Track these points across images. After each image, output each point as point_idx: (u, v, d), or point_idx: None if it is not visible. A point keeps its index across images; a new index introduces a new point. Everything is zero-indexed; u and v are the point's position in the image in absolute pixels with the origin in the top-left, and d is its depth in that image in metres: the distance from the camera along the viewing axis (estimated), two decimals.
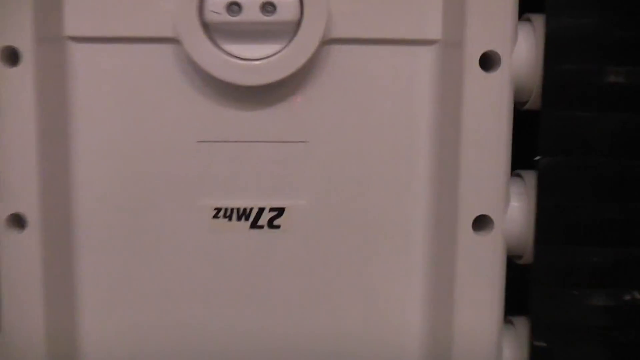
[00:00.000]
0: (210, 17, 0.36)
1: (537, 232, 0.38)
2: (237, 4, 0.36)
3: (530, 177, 0.40)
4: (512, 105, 0.38)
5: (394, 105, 0.40)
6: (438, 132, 0.40)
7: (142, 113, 0.38)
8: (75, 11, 0.37)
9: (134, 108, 0.38)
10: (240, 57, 0.37)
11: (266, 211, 0.40)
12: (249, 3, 0.36)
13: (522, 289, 0.40)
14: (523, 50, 0.38)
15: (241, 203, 0.40)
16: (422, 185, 0.40)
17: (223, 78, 0.37)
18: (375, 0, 0.38)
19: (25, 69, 0.36)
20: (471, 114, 0.37)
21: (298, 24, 0.37)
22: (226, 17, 0.36)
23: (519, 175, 0.41)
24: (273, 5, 0.36)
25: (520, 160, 0.40)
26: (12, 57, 0.36)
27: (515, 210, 0.39)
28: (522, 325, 0.41)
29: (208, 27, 0.37)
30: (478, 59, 0.37)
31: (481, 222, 0.39)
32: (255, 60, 0.37)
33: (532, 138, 0.39)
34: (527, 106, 0.39)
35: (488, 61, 0.37)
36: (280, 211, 0.40)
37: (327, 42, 0.38)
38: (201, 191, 0.39)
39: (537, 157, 0.38)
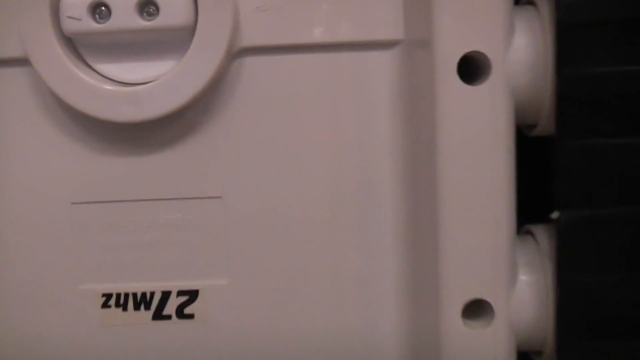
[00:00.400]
0: (68, 25, 0.26)
1: (558, 320, 0.25)
2: (104, 5, 0.26)
3: (544, 237, 0.27)
4: (513, 132, 0.26)
5: (337, 135, 0.28)
6: (403, 177, 0.28)
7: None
8: None
9: None
10: (115, 80, 0.27)
11: (173, 295, 0.29)
12: (120, 3, 0.26)
13: None
14: (523, 49, 0.26)
15: (138, 286, 0.29)
16: (386, 255, 0.28)
17: (93, 113, 0.27)
18: None
19: None
20: (449, 149, 0.25)
21: (193, 29, 0.27)
22: (89, 25, 0.26)
23: (529, 233, 0.28)
24: (154, 5, 0.26)
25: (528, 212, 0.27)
26: None
27: (525, 288, 0.27)
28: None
29: (67, 41, 0.27)
30: (456, 64, 0.25)
31: (476, 309, 0.26)
32: (137, 85, 0.27)
33: (544, 178, 0.26)
34: (535, 132, 0.27)
35: (471, 68, 0.26)
36: (192, 295, 0.29)
37: (237, 53, 0.27)
38: (83, 272, 0.29)
39: (555, 214, 0.26)
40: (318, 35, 0.27)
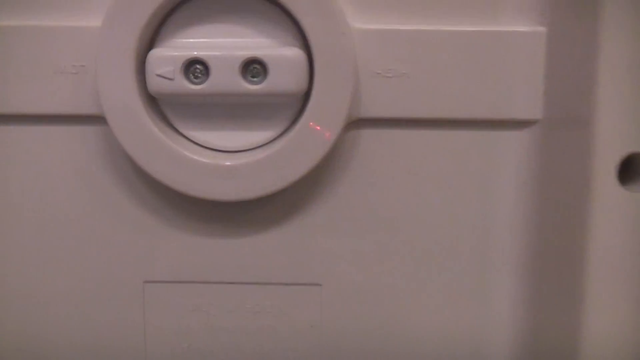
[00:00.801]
0: (157, 84, 0.21)
1: None
2: (201, 63, 0.22)
3: None
4: None
5: (454, 220, 0.24)
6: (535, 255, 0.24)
7: (60, 243, 0.24)
8: None
9: (48, 232, 0.24)
10: (206, 146, 0.23)
11: None
12: (220, 62, 0.21)
13: None
14: None
15: None
16: None
17: (180, 187, 0.22)
18: (432, 57, 0.23)
19: None
20: (602, 238, 0.22)
21: (304, 96, 0.23)
22: (183, 85, 0.21)
23: None
24: (262, 66, 0.22)
25: None
26: None
27: None
28: None
29: (152, 101, 0.23)
30: (616, 167, 0.21)
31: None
32: (237, 160, 0.22)
33: None
34: None
35: (632, 167, 0.22)
36: None
37: (351, 124, 0.23)
38: (155, 351, 0.25)
39: None
40: (445, 110, 0.23)
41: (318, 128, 0.22)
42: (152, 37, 0.22)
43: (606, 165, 0.21)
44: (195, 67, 0.21)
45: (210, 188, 0.22)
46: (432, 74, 0.22)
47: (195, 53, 0.21)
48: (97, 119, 0.23)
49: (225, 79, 0.21)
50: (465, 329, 0.25)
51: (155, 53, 0.21)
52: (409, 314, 0.24)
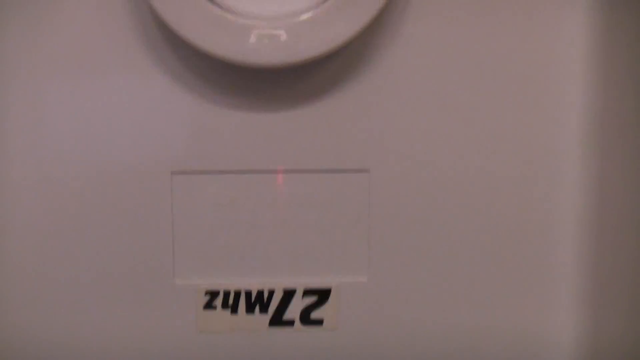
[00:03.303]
0: None
1: None
2: None
3: None
4: None
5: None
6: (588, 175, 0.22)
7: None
8: None
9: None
10: (244, 13, 0.20)
11: (298, 295, 0.22)
12: None
13: None
14: None
15: (252, 283, 0.22)
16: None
17: (223, 54, 0.20)
18: None
19: None
20: None
21: None
22: None
23: None
24: None
25: None
26: None
27: None
28: None
29: None
30: None
31: None
32: (277, 26, 0.20)
33: None
34: None
35: None
36: (322, 295, 0.23)
37: None
38: (182, 263, 0.22)
39: None
40: None
41: None
42: None
43: None
44: None
45: (254, 53, 0.19)
46: None
47: None
48: None
49: None
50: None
51: None
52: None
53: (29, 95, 0.21)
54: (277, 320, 0.23)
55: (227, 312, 0.23)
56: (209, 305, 0.22)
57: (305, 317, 0.23)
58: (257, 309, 0.23)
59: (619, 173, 0.21)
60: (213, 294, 0.23)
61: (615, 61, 0.21)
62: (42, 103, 0.21)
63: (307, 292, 0.23)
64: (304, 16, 0.19)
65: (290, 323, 0.23)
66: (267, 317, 0.23)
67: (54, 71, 0.21)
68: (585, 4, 0.21)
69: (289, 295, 0.22)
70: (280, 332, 0.23)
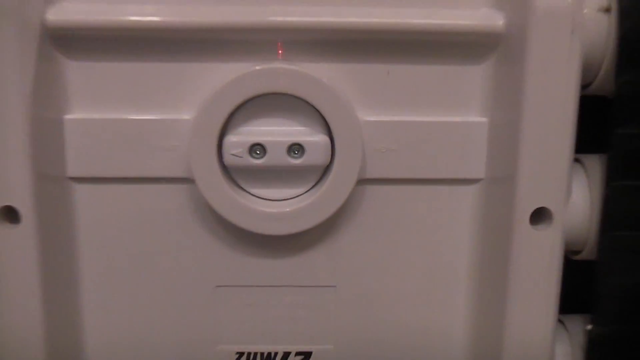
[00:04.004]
0: (231, 160, 0.32)
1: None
2: (261, 146, 0.33)
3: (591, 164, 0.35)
4: (562, 260, 0.33)
5: (431, 246, 0.36)
6: (479, 276, 0.36)
7: (155, 256, 0.35)
8: (77, 152, 0.34)
9: (146, 251, 0.35)
10: (261, 197, 0.34)
11: (292, 355, 0.37)
12: (274, 146, 0.32)
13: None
14: (577, 203, 0.34)
15: (265, 348, 0.37)
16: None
17: (247, 227, 0.34)
18: (413, 138, 0.34)
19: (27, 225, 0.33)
20: (519, 269, 0.33)
21: (328, 166, 0.33)
22: (248, 161, 0.32)
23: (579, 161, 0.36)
24: (301, 148, 0.33)
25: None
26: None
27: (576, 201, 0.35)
28: (573, 324, 0.37)
29: (227, 170, 0.34)
30: (529, 216, 0.32)
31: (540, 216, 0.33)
32: (281, 208, 0.34)
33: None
34: (580, 256, 0.35)
35: (539, 216, 0.33)
36: (306, 355, 0.37)
37: (361, 182, 0.34)
38: (222, 336, 0.37)
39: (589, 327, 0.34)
40: (420, 171, 0.34)
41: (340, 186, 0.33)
42: (224, 125, 0.33)
43: (523, 213, 0.32)
44: (256, 148, 0.32)
45: (266, 227, 0.33)
46: (411, 149, 0.34)
47: (258, 139, 0.32)
48: (187, 180, 0.33)
49: (277, 157, 0.32)
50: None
51: (230, 139, 0.32)
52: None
53: None
54: None
55: None
56: None
57: None
58: None
59: None
60: (241, 354, 0.37)
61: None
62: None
63: None
64: (298, 206, 0.33)
65: None
66: None
67: None
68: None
69: None
70: None
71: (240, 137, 0.32)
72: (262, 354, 0.36)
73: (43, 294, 0.33)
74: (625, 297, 0.33)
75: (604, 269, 0.33)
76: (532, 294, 0.33)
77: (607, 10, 0.31)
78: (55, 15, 0.31)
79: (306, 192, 0.34)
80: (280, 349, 0.36)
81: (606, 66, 0.32)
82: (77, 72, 0.33)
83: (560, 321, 0.37)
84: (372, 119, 0.33)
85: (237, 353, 0.36)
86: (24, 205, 0.32)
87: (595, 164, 0.34)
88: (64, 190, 0.34)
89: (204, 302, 0.36)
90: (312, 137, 0.33)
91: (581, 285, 0.35)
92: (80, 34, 0.32)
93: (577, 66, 0.31)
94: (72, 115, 0.33)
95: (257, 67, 0.32)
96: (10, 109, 0.31)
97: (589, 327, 0.34)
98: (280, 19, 0.32)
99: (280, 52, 0.33)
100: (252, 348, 0.36)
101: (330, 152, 0.33)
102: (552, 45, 0.31)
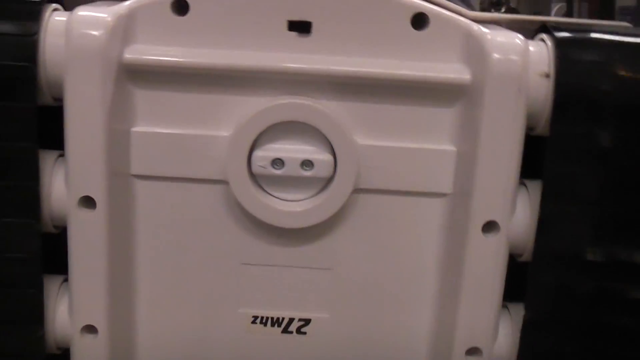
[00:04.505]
0: (258, 170, 0.43)
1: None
2: (281, 160, 0.43)
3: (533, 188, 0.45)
4: (506, 261, 0.44)
5: (406, 246, 0.46)
6: (442, 271, 0.46)
7: (195, 240, 0.46)
8: (140, 156, 0.44)
9: (189, 235, 0.46)
10: (279, 197, 0.44)
11: (295, 321, 0.47)
12: (290, 161, 0.43)
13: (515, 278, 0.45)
14: (520, 216, 0.44)
15: (274, 313, 0.47)
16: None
17: (267, 221, 0.44)
18: (398, 159, 0.44)
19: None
20: (472, 267, 0.44)
21: (331, 177, 0.44)
22: (271, 171, 0.43)
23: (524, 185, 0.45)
24: (311, 163, 0.43)
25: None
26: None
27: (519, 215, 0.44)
28: (515, 310, 0.47)
29: (254, 176, 0.44)
30: (481, 226, 0.43)
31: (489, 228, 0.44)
32: (294, 207, 0.44)
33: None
34: (522, 259, 0.45)
35: (489, 227, 0.43)
36: (307, 321, 0.47)
37: (355, 191, 0.45)
38: (243, 301, 0.47)
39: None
40: (401, 185, 0.45)
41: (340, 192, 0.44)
42: (253, 143, 0.43)
43: (476, 224, 0.43)
44: (277, 162, 0.43)
45: (282, 221, 0.44)
46: (395, 168, 0.44)
47: (279, 155, 0.43)
48: (223, 182, 0.44)
49: (292, 169, 0.43)
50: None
51: (258, 153, 0.43)
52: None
53: None
54: (285, 330, 0.47)
55: (262, 326, 0.47)
56: None
57: None
58: (275, 325, 0.48)
59: None
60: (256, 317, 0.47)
61: None
62: None
63: None
64: (307, 206, 0.44)
65: (291, 332, 0.48)
66: (280, 329, 0.47)
67: None
68: None
69: None
70: None
71: (266, 153, 0.43)
72: (272, 318, 0.47)
73: (108, 264, 0.43)
74: (550, 292, 0.44)
75: (534, 268, 0.44)
76: (481, 288, 0.44)
77: (547, 75, 0.41)
78: (131, 54, 0.42)
79: (313, 196, 0.44)
80: (287, 314, 0.47)
81: (546, 114, 0.42)
82: (143, 97, 0.43)
83: (506, 307, 0.47)
84: (367, 143, 0.44)
85: (253, 316, 0.47)
86: (99, 195, 0.42)
87: (536, 187, 0.44)
88: (129, 185, 0.44)
89: (231, 276, 0.47)
90: (320, 155, 0.43)
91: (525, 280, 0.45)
92: (147, 69, 0.43)
93: (522, 113, 0.42)
94: (138, 128, 0.44)
95: (281, 102, 0.43)
96: (92, 122, 0.41)
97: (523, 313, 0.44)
98: (295, 65, 0.42)
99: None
100: (265, 313, 0.47)
101: (333, 167, 0.43)
102: (503, 97, 0.41)
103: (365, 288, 0.47)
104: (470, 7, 0.82)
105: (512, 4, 2.65)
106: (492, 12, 2.57)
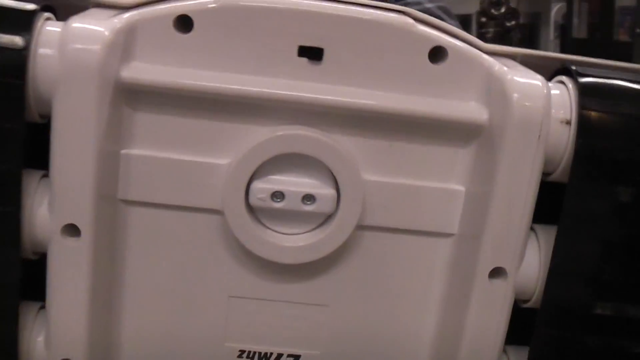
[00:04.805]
0: (256, 202, 0.40)
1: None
2: (281, 193, 0.40)
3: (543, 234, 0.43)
4: (511, 307, 0.42)
5: (407, 286, 0.44)
6: (443, 315, 0.44)
7: (185, 271, 0.43)
8: (130, 180, 0.41)
9: (179, 266, 0.43)
10: (277, 231, 0.42)
11: (284, 357, 0.45)
12: (291, 194, 0.40)
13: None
14: (529, 264, 0.42)
15: (261, 348, 0.45)
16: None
17: (263, 255, 0.42)
18: (403, 196, 0.42)
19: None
20: (476, 310, 0.42)
21: (334, 212, 0.41)
22: (270, 204, 0.40)
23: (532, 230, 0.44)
24: (313, 198, 0.40)
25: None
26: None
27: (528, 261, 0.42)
28: (514, 353, 0.45)
29: (252, 209, 0.41)
30: (488, 272, 0.41)
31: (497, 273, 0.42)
32: (292, 242, 0.41)
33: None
34: (528, 305, 0.43)
35: (497, 272, 0.41)
36: (296, 357, 0.45)
37: (358, 228, 0.42)
38: (230, 335, 0.45)
39: None
40: (405, 223, 0.42)
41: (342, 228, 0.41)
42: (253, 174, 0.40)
43: (484, 269, 0.40)
44: (277, 194, 0.40)
45: (278, 256, 0.41)
46: (401, 205, 0.42)
47: (279, 187, 0.40)
48: (218, 212, 0.41)
49: (293, 203, 0.40)
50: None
51: (257, 184, 0.40)
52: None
53: None
54: None
55: None
56: None
57: None
58: None
59: None
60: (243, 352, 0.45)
61: None
62: None
63: None
64: (308, 242, 0.41)
65: None
66: None
67: None
68: None
69: None
70: None
71: (265, 185, 0.40)
72: (259, 353, 0.45)
73: (91, 294, 0.40)
74: (557, 342, 0.42)
75: (542, 318, 0.42)
76: (484, 334, 0.42)
77: (568, 122, 0.39)
78: (129, 73, 0.39)
79: (312, 230, 0.42)
80: (275, 350, 0.45)
81: (564, 162, 0.40)
82: (139, 119, 0.40)
83: (505, 351, 0.45)
84: (373, 179, 0.41)
85: (240, 350, 0.45)
86: (85, 223, 0.39)
87: (546, 233, 0.42)
88: (117, 211, 0.42)
89: (219, 309, 0.44)
90: (322, 189, 0.41)
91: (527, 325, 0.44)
92: (144, 90, 0.39)
93: (540, 159, 0.39)
94: (131, 151, 0.41)
95: (286, 132, 0.40)
96: (82, 144, 0.38)
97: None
98: (304, 94, 0.39)
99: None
100: (252, 348, 0.45)
101: (336, 203, 0.41)
102: (523, 142, 0.39)
103: (361, 327, 0.45)
104: (452, 16, 0.80)
105: (512, 4, 2.64)
106: (492, 11, 2.57)
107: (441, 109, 0.40)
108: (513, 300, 0.42)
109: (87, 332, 0.41)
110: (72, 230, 0.39)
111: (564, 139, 0.39)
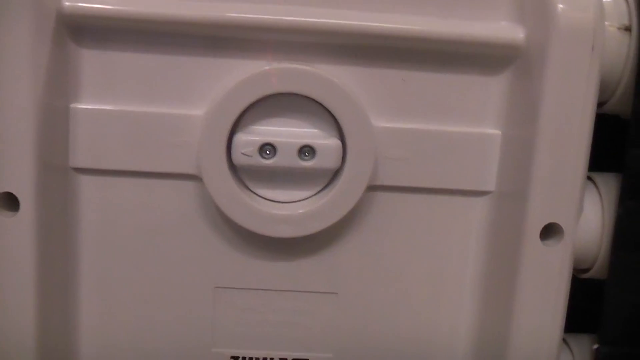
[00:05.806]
0: (240, 159, 0.32)
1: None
2: (271, 146, 0.32)
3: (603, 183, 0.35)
4: (570, 277, 0.33)
5: (438, 256, 0.35)
6: (485, 289, 0.35)
7: (157, 254, 0.34)
8: (82, 142, 0.33)
9: (149, 247, 0.34)
10: (268, 199, 0.33)
11: None
12: (285, 147, 0.32)
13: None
14: (588, 221, 0.34)
15: (261, 353, 0.36)
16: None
17: (253, 229, 0.33)
18: (425, 147, 0.34)
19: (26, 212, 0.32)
20: (526, 284, 0.33)
21: (338, 170, 0.33)
22: (258, 161, 0.32)
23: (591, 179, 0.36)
24: (312, 150, 0.32)
25: None
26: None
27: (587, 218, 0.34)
28: (577, 343, 0.37)
29: (236, 170, 0.33)
30: (539, 231, 0.32)
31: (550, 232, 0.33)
32: (288, 210, 0.33)
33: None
34: (587, 275, 0.35)
35: (550, 232, 0.33)
36: None
37: (371, 188, 0.34)
38: (218, 338, 0.36)
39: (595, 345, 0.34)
40: (429, 181, 0.34)
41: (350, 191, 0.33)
42: (235, 123, 0.32)
43: (533, 228, 0.32)
44: (267, 148, 0.32)
45: (272, 229, 0.33)
46: (422, 158, 0.33)
47: (268, 139, 0.32)
48: (194, 178, 0.33)
49: (287, 158, 0.32)
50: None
51: (241, 137, 0.32)
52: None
53: None
54: None
55: None
56: None
57: None
58: None
59: None
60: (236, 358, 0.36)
61: None
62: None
63: None
64: (306, 209, 0.33)
65: None
66: None
67: None
68: None
69: None
70: None
71: (251, 136, 0.32)
72: (257, 359, 0.36)
73: (38, 286, 0.32)
74: (633, 317, 0.33)
75: (613, 288, 0.33)
76: (539, 310, 0.33)
77: (628, 29, 0.31)
78: (72, 1, 0.31)
79: (313, 195, 0.33)
80: (276, 355, 0.36)
81: (623, 86, 0.32)
82: (88, 60, 0.32)
83: (563, 340, 0.36)
84: (385, 125, 0.33)
85: (232, 357, 0.36)
86: (24, 192, 0.31)
87: (608, 182, 0.34)
88: (67, 181, 0.33)
89: (201, 303, 0.35)
90: (324, 139, 0.32)
91: (585, 305, 0.35)
92: (94, 22, 0.31)
93: (595, 84, 0.31)
94: (80, 105, 0.32)
95: (271, 66, 0.32)
96: (18, 94, 0.30)
97: (596, 346, 0.33)
98: (296, 19, 0.31)
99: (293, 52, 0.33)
100: (247, 353, 0.36)
101: (341, 156, 0.32)
102: (571, 61, 0.31)
103: (380, 318, 0.36)
104: None
105: None
106: None
107: (465, 29, 0.32)
108: (572, 266, 0.33)
109: (35, 333, 0.32)
110: (9, 202, 0.31)
111: (622, 50, 0.32)
